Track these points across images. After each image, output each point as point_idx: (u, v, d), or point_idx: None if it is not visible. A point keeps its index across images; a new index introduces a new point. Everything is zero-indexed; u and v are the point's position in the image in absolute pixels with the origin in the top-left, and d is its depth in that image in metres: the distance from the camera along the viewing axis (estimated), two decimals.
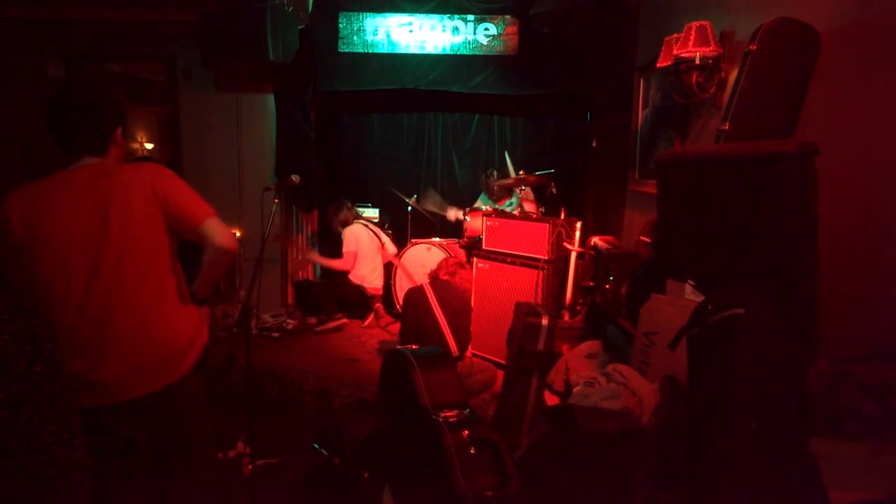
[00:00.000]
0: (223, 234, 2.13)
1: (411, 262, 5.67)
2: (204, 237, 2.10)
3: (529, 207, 5.45)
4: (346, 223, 5.77)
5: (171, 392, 2.09)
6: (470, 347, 4.40)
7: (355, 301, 5.76)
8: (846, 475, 1.78)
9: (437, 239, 5.68)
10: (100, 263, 1.96)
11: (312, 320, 5.84)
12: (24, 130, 6.06)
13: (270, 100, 5.98)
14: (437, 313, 4.10)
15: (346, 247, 5.66)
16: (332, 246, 6.04)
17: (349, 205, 5.84)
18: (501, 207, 5.71)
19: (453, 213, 6.08)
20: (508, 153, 6.06)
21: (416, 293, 4.29)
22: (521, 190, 5.34)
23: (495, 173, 5.99)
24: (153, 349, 2.04)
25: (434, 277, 4.36)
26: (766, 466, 1.82)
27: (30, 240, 1.95)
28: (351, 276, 5.65)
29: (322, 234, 6.56)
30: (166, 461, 2.17)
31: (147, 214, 2.03)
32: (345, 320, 5.66)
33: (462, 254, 5.50)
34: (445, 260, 4.55)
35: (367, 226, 5.82)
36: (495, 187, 5.87)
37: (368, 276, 5.71)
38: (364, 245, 5.70)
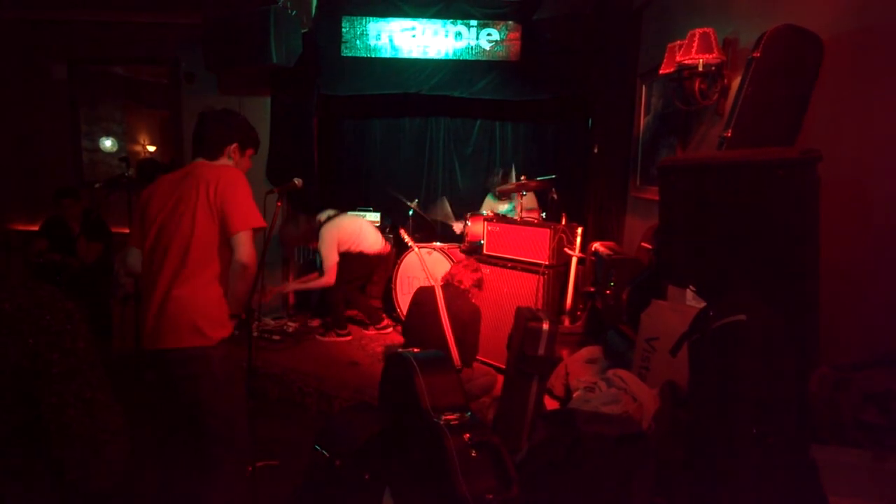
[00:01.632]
0: (246, 249, 2.42)
1: (412, 267, 5.67)
2: (233, 247, 2.43)
3: (532, 213, 5.46)
4: (307, 238, 5.37)
5: (189, 355, 2.41)
6: None
7: (370, 310, 5.67)
8: (847, 482, 1.79)
9: (439, 244, 5.68)
10: (160, 238, 2.45)
11: (314, 322, 5.83)
12: (26, 131, 6.09)
13: None
14: (444, 322, 4.06)
15: (327, 259, 5.15)
16: None
17: (303, 217, 5.38)
18: (503, 210, 5.71)
19: (459, 227, 6.06)
20: (447, 199, 6.30)
21: (425, 294, 4.26)
22: (522, 196, 5.35)
23: (499, 174, 6.00)
24: (172, 314, 2.40)
25: (447, 283, 4.32)
26: (766, 473, 1.82)
27: (144, 209, 2.56)
28: (364, 250, 5.33)
29: None
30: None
31: (203, 207, 2.41)
32: (350, 337, 5.55)
33: (463, 259, 5.47)
34: (463, 265, 4.40)
35: (331, 218, 5.33)
36: (497, 191, 5.88)
37: (376, 243, 5.46)
38: (348, 234, 5.30)
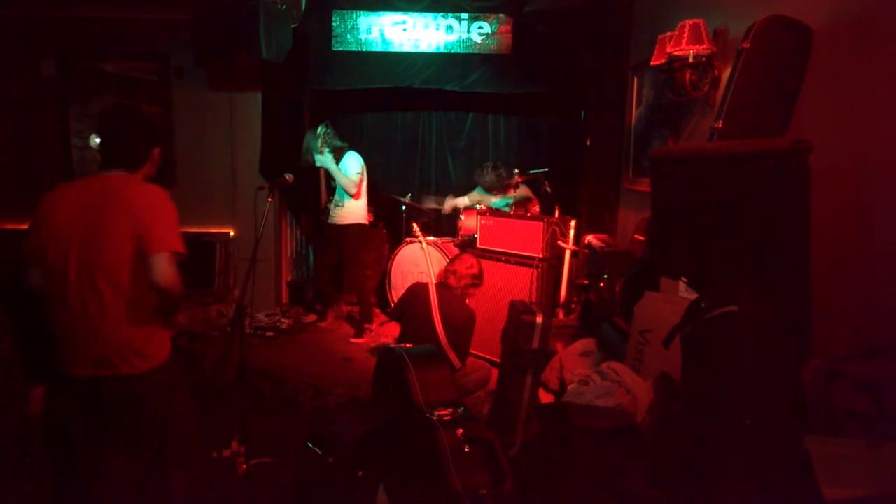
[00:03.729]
0: (164, 272, 2.20)
1: (406, 261, 5.65)
2: (148, 269, 2.20)
3: (531, 205, 5.48)
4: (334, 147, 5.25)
5: (132, 384, 2.29)
6: None
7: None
8: (840, 471, 1.78)
9: (432, 238, 5.66)
10: (70, 261, 2.21)
11: (309, 318, 5.80)
12: (15, 129, 6.02)
13: None
14: (437, 325, 4.03)
15: (354, 168, 5.19)
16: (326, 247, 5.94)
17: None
18: (496, 202, 5.69)
19: (449, 203, 6.03)
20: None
21: (419, 293, 4.23)
22: (516, 189, 5.34)
23: (490, 167, 5.98)
24: (102, 343, 2.25)
25: (443, 282, 4.28)
26: (759, 464, 1.82)
27: (42, 228, 2.25)
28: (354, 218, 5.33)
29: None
30: (144, 449, 2.43)
31: (117, 227, 2.20)
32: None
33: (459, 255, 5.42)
34: (459, 261, 4.37)
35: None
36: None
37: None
38: (364, 176, 5.37)
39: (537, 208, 5.65)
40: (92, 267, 2.21)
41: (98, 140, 2.37)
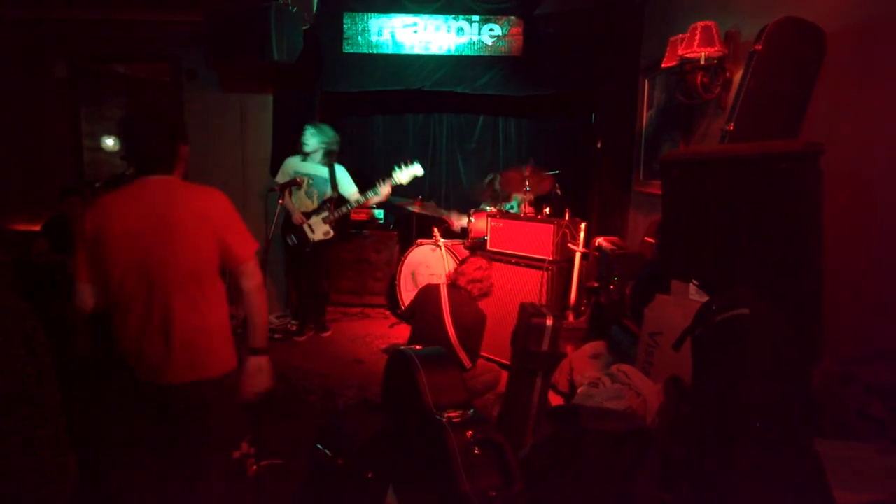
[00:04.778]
0: (259, 275, 2.41)
1: (415, 263, 5.65)
2: (242, 275, 2.37)
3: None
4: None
5: (197, 389, 2.28)
6: None
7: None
8: (851, 476, 1.77)
9: (443, 240, 5.66)
10: (147, 264, 2.20)
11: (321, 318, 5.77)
12: (27, 130, 6.08)
13: None
14: (447, 326, 4.03)
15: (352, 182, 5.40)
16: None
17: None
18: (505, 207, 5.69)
19: (459, 223, 6.04)
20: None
21: (430, 294, 4.24)
22: (527, 191, 5.34)
23: (496, 177, 5.97)
24: (178, 348, 2.24)
25: (453, 283, 4.29)
26: (770, 467, 1.81)
27: (98, 239, 2.21)
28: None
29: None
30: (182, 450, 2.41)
31: (196, 233, 2.24)
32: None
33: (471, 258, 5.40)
34: (470, 265, 4.33)
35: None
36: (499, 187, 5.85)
37: None
38: None
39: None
40: (173, 273, 2.21)
41: (125, 146, 2.34)
